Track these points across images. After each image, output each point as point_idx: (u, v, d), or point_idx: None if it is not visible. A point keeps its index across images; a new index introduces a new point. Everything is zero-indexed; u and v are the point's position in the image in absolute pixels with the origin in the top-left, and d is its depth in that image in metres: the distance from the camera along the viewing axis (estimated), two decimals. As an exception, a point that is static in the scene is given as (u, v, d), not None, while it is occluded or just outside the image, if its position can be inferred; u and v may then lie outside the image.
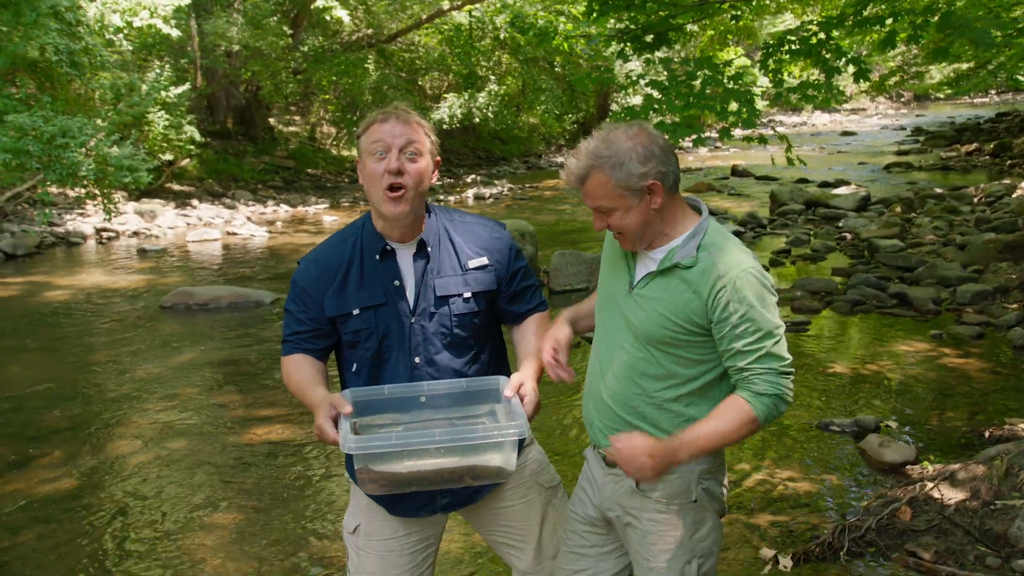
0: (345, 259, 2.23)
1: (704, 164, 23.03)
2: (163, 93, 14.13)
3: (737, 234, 11.38)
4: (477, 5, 19.97)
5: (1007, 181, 14.70)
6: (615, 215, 2.00)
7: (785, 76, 7.08)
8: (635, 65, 18.79)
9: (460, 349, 2.24)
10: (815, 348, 6.78)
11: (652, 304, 2.03)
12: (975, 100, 46.13)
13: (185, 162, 16.73)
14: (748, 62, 20.44)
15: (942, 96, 42.02)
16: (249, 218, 14.93)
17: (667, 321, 2.00)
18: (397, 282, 2.21)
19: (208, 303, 8.57)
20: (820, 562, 3.55)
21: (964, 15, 6.08)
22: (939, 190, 14.48)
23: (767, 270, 9.08)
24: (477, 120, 21.76)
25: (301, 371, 2.21)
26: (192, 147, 15.58)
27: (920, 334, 6.97)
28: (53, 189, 11.84)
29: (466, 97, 21.23)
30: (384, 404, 2.14)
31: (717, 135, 6.86)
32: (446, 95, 22.15)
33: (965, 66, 22.94)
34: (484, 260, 2.26)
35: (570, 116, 26.67)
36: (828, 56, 6.17)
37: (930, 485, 3.86)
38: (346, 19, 18.02)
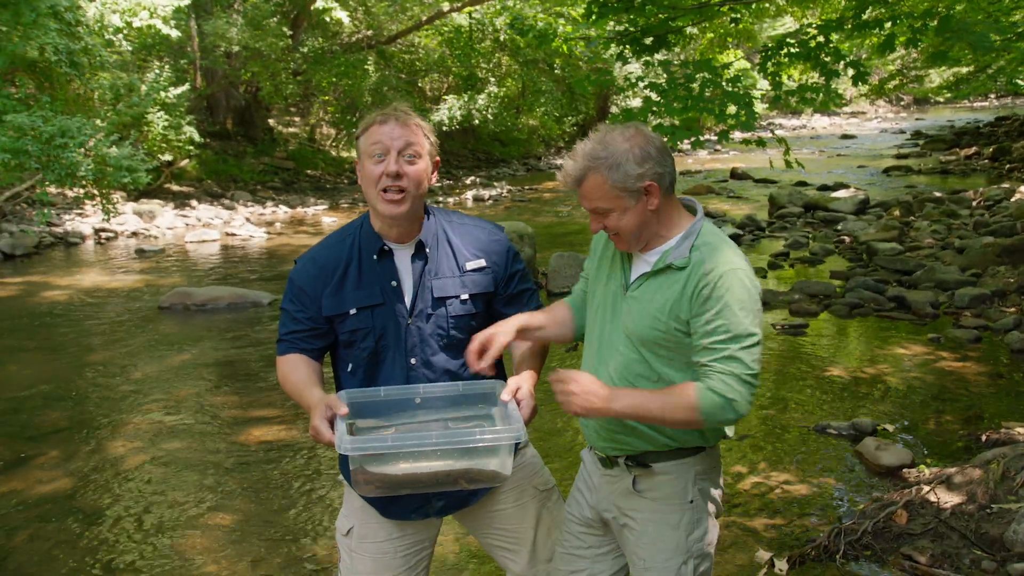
0: (343, 259, 2.22)
1: (703, 167, 23.06)
2: (162, 93, 14.14)
3: (736, 236, 11.40)
4: (477, 7, 19.99)
5: (1006, 185, 14.72)
6: (612, 216, 2.00)
7: (784, 79, 7.09)
8: (634, 67, 18.83)
9: (457, 351, 2.23)
10: (813, 351, 6.79)
11: (644, 305, 2.03)
12: (975, 104, 46.22)
13: (184, 163, 16.73)
14: (747, 65, 20.46)
15: (941, 100, 42.14)
16: (248, 219, 14.93)
17: (657, 321, 2.00)
18: (394, 283, 2.21)
19: (206, 304, 8.57)
20: (816, 565, 3.55)
21: (963, 19, 6.09)
22: (938, 194, 14.49)
23: (766, 273, 8.98)
24: (477, 122, 21.79)
25: (297, 371, 2.20)
26: (191, 148, 15.59)
27: (918, 337, 6.98)
28: (52, 189, 11.84)
29: (466, 99, 21.25)
30: (380, 406, 2.14)
31: (716, 138, 6.87)
32: (446, 97, 22.18)
33: (965, 70, 23.00)
34: (482, 262, 2.26)
35: (570, 118, 26.72)
36: (827, 59, 6.18)
37: (926, 488, 3.86)
38: (346, 20, 18.05)
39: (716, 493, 2.16)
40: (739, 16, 8.46)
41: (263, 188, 18.03)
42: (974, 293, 7.75)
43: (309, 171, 20.10)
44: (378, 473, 2.02)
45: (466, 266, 2.25)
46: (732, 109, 5.80)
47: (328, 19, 18.07)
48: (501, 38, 21.13)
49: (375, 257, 2.21)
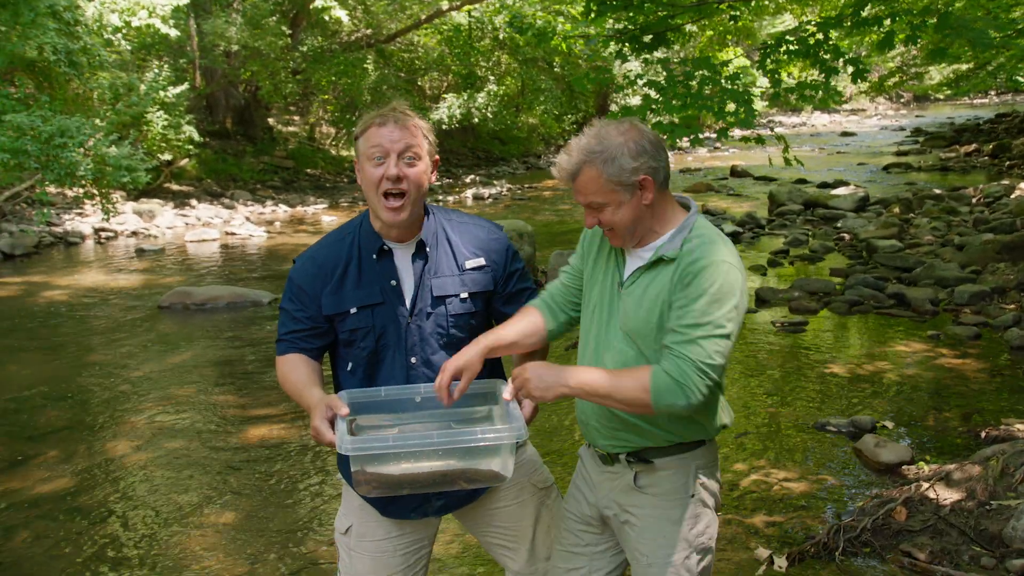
0: (343, 258, 2.22)
1: (703, 164, 23.05)
2: (162, 93, 14.14)
3: (736, 234, 11.40)
4: (476, 5, 19.99)
5: (1006, 182, 14.71)
6: (607, 211, 2.00)
7: (784, 76, 7.09)
8: (634, 65, 18.82)
9: (456, 350, 2.21)
10: (812, 348, 6.79)
11: (639, 300, 2.03)
12: (974, 101, 46.21)
13: (184, 162, 16.73)
14: (747, 62, 20.46)
15: (941, 97, 42.08)
16: (248, 218, 14.94)
17: (649, 314, 2.00)
18: (394, 282, 2.21)
19: (206, 303, 8.57)
20: (815, 562, 3.56)
21: (962, 16, 6.09)
22: (938, 191, 14.49)
23: (765, 271, 8.97)
24: (476, 120, 21.79)
25: (297, 371, 2.20)
26: (191, 147, 15.59)
27: (917, 334, 6.98)
28: (51, 189, 11.84)
29: (465, 97, 21.25)
30: (380, 406, 2.14)
31: (715, 135, 6.87)
32: (445, 95, 22.16)
33: (964, 67, 22.98)
34: (481, 261, 2.27)
35: (569, 116, 26.71)
36: (826, 56, 6.19)
37: (926, 485, 3.86)
38: (345, 19, 18.02)
39: (715, 486, 2.17)
40: (738, 13, 8.46)
41: (263, 187, 18.03)
42: (974, 290, 7.75)
43: (309, 170, 20.10)
44: (378, 473, 2.02)
45: (465, 265, 2.25)
46: (731, 107, 5.81)
47: (327, 18, 18.04)
48: (500, 36, 21.11)
49: (374, 256, 2.21)
